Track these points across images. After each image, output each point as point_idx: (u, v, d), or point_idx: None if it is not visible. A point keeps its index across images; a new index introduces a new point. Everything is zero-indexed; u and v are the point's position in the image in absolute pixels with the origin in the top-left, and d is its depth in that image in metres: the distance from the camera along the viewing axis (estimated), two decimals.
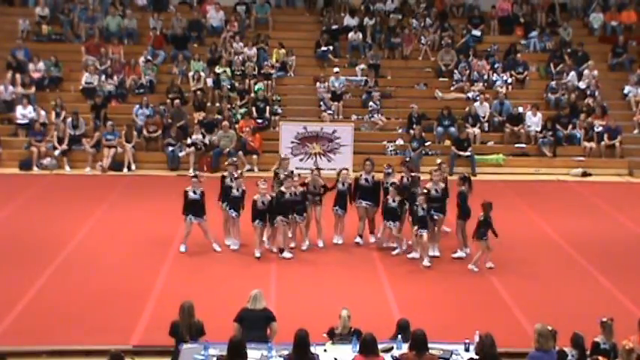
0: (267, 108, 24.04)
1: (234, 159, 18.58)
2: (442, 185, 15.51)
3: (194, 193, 15.38)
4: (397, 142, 23.58)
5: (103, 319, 12.20)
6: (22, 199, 19.08)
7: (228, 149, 22.35)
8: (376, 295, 13.48)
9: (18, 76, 24.38)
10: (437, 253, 15.30)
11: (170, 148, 22.63)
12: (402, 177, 16.13)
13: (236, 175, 15.75)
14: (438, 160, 17.91)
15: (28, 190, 20.06)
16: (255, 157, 22.55)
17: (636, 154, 23.95)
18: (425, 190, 15.24)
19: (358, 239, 16.03)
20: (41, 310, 12.53)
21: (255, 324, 10.11)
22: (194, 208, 15.34)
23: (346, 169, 16.85)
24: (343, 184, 15.98)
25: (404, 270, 14.57)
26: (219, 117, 23.40)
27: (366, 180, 15.90)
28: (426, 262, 14.79)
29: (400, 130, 24.15)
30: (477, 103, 24.56)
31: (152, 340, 11.27)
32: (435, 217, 15.26)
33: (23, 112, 23.40)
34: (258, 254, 15.10)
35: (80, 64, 25.28)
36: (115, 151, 22.59)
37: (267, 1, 27.98)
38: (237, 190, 15.45)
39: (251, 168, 22.26)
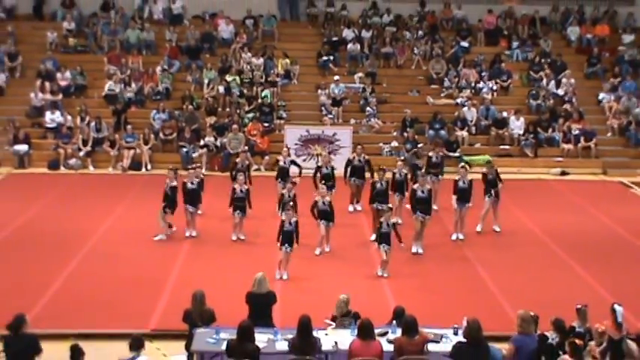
0: (273, 113, 24.10)
1: (246, 147, 20.50)
2: (428, 187, 15.45)
3: (192, 183, 15.57)
4: (392, 144, 23.56)
5: (124, 305, 12.23)
6: (50, 196, 19.11)
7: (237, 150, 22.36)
8: (373, 284, 13.49)
9: (47, 84, 24.38)
10: (420, 251, 15.20)
11: (184, 149, 22.64)
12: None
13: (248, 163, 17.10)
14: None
15: (55, 188, 20.07)
16: (267, 157, 22.53)
17: (609, 155, 23.95)
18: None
19: (351, 208, 17.99)
20: (68, 298, 12.57)
21: (261, 306, 10.21)
22: (192, 197, 15.56)
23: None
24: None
25: (398, 261, 14.49)
26: (230, 121, 23.42)
27: (359, 161, 17.83)
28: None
29: (395, 133, 24.13)
30: (465, 109, 24.54)
31: (168, 325, 11.29)
32: (421, 218, 15.18)
33: (52, 117, 23.44)
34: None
35: (103, 73, 25.28)
36: (135, 153, 22.63)
37: (273, 15, 27.98)
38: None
39: (258, 168, 22.27)
